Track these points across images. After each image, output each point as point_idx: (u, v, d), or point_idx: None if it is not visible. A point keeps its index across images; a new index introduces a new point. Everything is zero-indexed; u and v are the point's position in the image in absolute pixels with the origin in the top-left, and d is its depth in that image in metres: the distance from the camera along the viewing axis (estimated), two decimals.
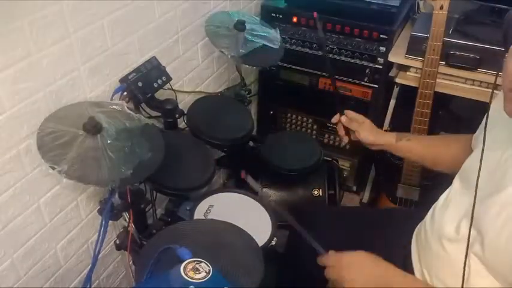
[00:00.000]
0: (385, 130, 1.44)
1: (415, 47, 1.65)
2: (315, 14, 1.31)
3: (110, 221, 1.11)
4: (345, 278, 0.98)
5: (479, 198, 0.84)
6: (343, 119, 1.26)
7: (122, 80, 1.24)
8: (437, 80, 1.59)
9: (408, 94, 1.69)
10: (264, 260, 0.96)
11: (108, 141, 0.98)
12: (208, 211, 1.25)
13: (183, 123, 1.45)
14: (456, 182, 1.01)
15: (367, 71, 1.78)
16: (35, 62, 0.99)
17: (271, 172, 1.54)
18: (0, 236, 1.06)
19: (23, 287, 1.17)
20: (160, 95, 1.35)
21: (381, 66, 1.75)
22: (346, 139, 1.29)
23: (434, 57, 1.55)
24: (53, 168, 0.92)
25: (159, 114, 1.34)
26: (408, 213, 1.57)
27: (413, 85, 1.67)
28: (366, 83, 1.81)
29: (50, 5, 0.98)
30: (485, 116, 0.86)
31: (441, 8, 1.48)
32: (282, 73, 1.96)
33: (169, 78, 1.34)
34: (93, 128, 0.98)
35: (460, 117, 1.91)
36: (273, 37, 1.57)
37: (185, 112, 1.42)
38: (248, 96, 1.67)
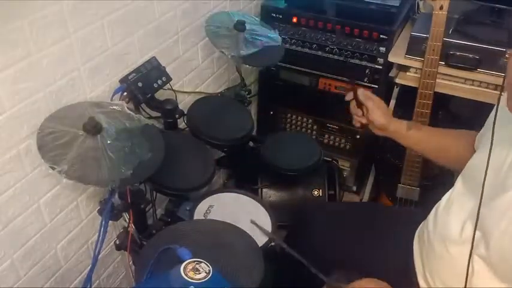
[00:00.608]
0: None
1: (415, 47, 1.64)
2: None
3: (110, 221, 1.10)
4: None
5: (484, 199, 0.83)
6: (360, 91, 1.19)
7: (122, 80, 1.24)
8: (437, 80, 1.59)
9: (408, 94, 1.69)
10: (264, 260, 0.96)
11: (108, 142, 0.99)
12: (208, 211, 1.25)
13: (183, 123, 1.45)
14: (459, 182, 1.00)
15: (367, 71, 1.78)
16: (35, 62, 0.99)
17: (271, 172, 1.55)
18: (0, 236, 1.06)
19: (23, 287, 1.17)
20: (160, 95, 1.35)
21: (380, 67, 1.75)
22: (360, 120, 1.21)
23: (434, 58, 1.55)
24: (53, 169, 0.92)
25: (159, 114, 1.34)
26: (409, 212, 1.57)
27: (413, 85, 1.67)
28: (365, 83, 1.81)
29: (50, 5, 0.98)
30: (494, 117, 0.85)
31: (441, 8, 1.48)
32: (282, 73, 1.95)
33: (169, 79, 1.34)
34: (93, 128, 0.98)
35: (460, 117, 1.91)
36: (273, 37, 1.57)
37: (185, 112, 1.42)
38: (248, 96, 1.67)
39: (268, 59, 1.59)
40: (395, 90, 1.77)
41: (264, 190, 1.62)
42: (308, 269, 1.04)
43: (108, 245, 1.43)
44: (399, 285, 1.01)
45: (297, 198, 1.63)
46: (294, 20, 1.81)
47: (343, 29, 1.74)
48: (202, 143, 1.38)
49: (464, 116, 1.89)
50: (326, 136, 2.07)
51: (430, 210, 1.06)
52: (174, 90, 1.43)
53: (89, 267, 1.15)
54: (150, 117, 1.32)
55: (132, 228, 1.15)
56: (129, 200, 1.11)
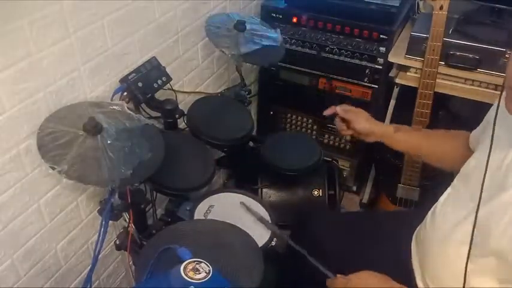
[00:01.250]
0: None
1: (415, 47, 1.65)
2: None
3: (110, 221, 1.10)
4: None
5: (481, 200, 0.83)
6: (339, 109, 1.26)
7: (122, 80, 1.24)
8: (437, 80, 1.59)
9: (408, 94, 1.69)
10: (264, 260, 0.96)
11: (108, 142, 0.98)
12: (208, 211, 1.25)
13: (183, 123, 1.45)
14: (456, 183, 1.01)
15: (367, 71, 1.78)
16: (35, 62, 0.99)
17: (271, 172, 1.54)
18: (0, 236, 1.06)
19: (23, 287, 1.17)
20: (161, 95, 1.35)
21: (380, 67, 1.75)
22: (347, 132, 1.27)
23: (434, 58, 1.55)
24: (53, 169, 0.92)
25: (159, 114, 1.34)
26: (408, 214, 1.57)
27: (413, 85, 1.67)
28: (365, 83, 1.81)
29: (50, 5, 0.98)
30: (494, 117, 0.85)
31: (441, 8, 1.48)
32: (282, 73, 1.96)
33: (169, 79, 1.34)
34: (93, 128, 0.98)
35: (460, 117, 1.91)
36: (273, 37, 1.57)
37: (185, 112, 1.42)
38: (248, 96, 1.67)
39: (269, 57, 1.59)
40: (395, 90, 1.77)
41: (264, 190, 1.62)
42: (308, 269, 1.05)
43: (108, 245, 1.43)
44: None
45: (297, 198, 1.63)
46: (294, 20, 1.81)
47: (343, 29, 1.74)
48: (202, 143, 1.38)
49: (464, 116, 1.89)
50: (326, 136, 2.07)
51: (428, 211, 1.06)
52: (174, 90, 1.43)
53: (89, 267, 1.15)
54: (150, 117, 1.32)
55: (132, 228, 1.15)
56: (129, 200, 1.11)
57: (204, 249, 0.91)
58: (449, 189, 1.02)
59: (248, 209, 1.22)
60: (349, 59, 1.78)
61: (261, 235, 1.17)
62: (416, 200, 1.82)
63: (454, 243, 0.92)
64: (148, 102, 1.29)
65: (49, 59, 1.02)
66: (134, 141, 1.03)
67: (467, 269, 0.86)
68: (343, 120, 1.27)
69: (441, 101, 1.74)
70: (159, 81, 1.31)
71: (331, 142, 2.07)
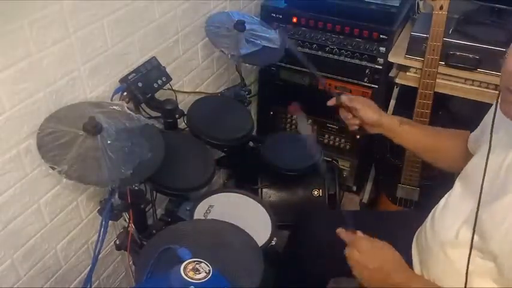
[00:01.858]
0: None
1: (415, 47, 1.65)
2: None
3: (110, 221, 1.10)
4: (365, 264, 0.94)
5: (482, 202, 0.83)
6: (344, 97, 1.22)
7: (122, 80, 1.24)
8: (437, 80, 1.59)
9: (408, 94, 1.69)
10: (264, 260, 0.96)
11: (108, 142, 0.99)
12: (208, 211, 1.25)
13: (183, 123, 1.45)
14: (457, 185, 1.00)
15: (367, 71, 1.78)
16: (35, 62, 0.99)
17: (271, 172, 1.55)
18: (1, 236, 1.06)
19: (23, 287, 1.17)
20: (161, 95, 1.35)
21: (380, 67, 1.75)
22: (354, 121, 1.23)
23: (434, 58, 1.55)
24: (53, 168, 0.92)
25: (159, 114, 1.34)
26: (408, 215, 1.57)
27: (413, 85, 1.67)
28: (365, 83, 1.81)
29: (50, 5, 0.98)
30: (492, 119, 0.85)
31: (441, 8, 1.48)
32: (282, 73, 1.96)
33: (169, 79, 1.34)
34: (93, 128, 0.98)
35: (460, 117, 1.91)
36: (272, 38, 1.57)
37: (185, 112, 1.42)
38: (248, 96, 1.67)
39: (268, 58, 1.59)
40: (395, 90, 1.77)
41: (264, 190, 1.62)
42: (308, 269, 1.04)
43: (108, 245, 1.43)
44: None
45: (297, 198, 1.63)
46: (294, 20, 1.81)
47: (343, 29, 1.74)
48: (202, 143, 1.38)
49: (464, 116, 1.89)
50: (326, 136, 2.07)
51: (429, 213, 1.06)
52: (174, 90, 1.43)
53: (89, 267, 1.15)
54: (150, 117, 1.32)
55: (132, 228, 1.15)
56: (129, 200, 1.11)
57: (204, 249, 0.91)
58: (449, 192, 1.02)
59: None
60: (349, 59, 1.78)
61: (261, 235, 1.17)
62: (416, 200, 1.81)
63: (454, 246, 0.92)
64: (148, 102, 1.29)
65: (49, 59, 1.02)
66: (134, 141, 1.03)
67: (469, 272, 0.86)
68: (348, 110, 1.22)
69: (441, 101, 1.74)
70: (159, 81, 1.31)
71: (331, 142, 2.07)
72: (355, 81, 1.82)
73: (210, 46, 1.57)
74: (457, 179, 1.01)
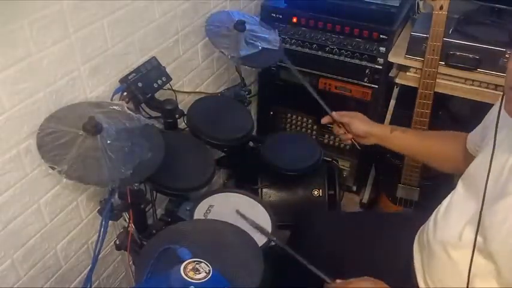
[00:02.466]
0: None
1: (415, 47, 1.65)
2: None
3: (110, 221, 1.10)
4: None
5: (484, 204, 0.83)
6: (334, 114, 1.29)
7: (121, 80, 1.24)
8: (437, 80, 1.59)
9: (408, 94, 1.69)
10: (264, 260, 0.96)
11: (108, 142, 0.98)
12: (208, 211, 1.25)
13: (183, 123, 1.45)
14: (459, 186, 1.00)
15: (367, 71, 1.78)
16: (35, 62, 0.99)
17: (271, 172, 1.54)
18: (1, 236, 1.06)
19: (23, 287, 1.17)
20: (160, 95, 1.35)
21: (380, 67, 1.75)
22: (346, 136, 1.29)
23: (434, 58, 1.55)
24: (53, 168, 0.92)
25: (159, 114, 1.34)
26: (409, 216, 1.57)
27: (413, 85, 1.67)
28: (365, 83, 1.81)
29: (50, 5, 0.98)
30: (496, 119, 0.84)
31: (441, 8, 1.48)
32: (281, 73, 1.96)
33: (169, 79, 1.34)
34: (93, 128, 0.98)
35: (460, 118, 1.91)
36: (272, 39, 1.57)
37: (185, 112, 1.42)
38: (248, 96, 1.67)
39: (268, 60, 1.58)
40: (395, 90, 1.77)
41: (264, 190, 1.62)
42: (308, 269, 1.04)
43: (108, 245, 1.43)
44: (399, 287, 1.00)
45: (297, 198, 1.63)
46: (294, 20, 1.81)
47: (343, 29, 1.74)
48: (202, 143, 1.38)
49: (464, 116, 1.89)
50: (326, 136, 2.07)
51: (430, 213, 1.06)
52: (174, 90, 1.43)
53: (89, 267, 1.15)
54: (150, 117, 1.32)
55: (132, 228, 1.15)
56: (129, 200, 1.11)
57: (204, 249, 0.91)
58: (452, 192, 1.01)
59: (244, 217, 1.20)
60: (349, 59, 1.78)
61: (261, 235, 1.17)
62: (416, 200, 1.82)
63: (456, 247, 0.91)
64: (148, 102, 1.29)
65: (49, 59, 1.02)
66: (134, 141, 1.03)
67: (471, 273, 0.85)
68: (340, 126, 1.30)
69: (441, 101, 1.74)
70: (159, 81, 1.31)
71: (331, 142, 2.07)
72: (355, 81, 1.82)
73: (210, 46, 1.57)
74: (459, 180, 1.01)
